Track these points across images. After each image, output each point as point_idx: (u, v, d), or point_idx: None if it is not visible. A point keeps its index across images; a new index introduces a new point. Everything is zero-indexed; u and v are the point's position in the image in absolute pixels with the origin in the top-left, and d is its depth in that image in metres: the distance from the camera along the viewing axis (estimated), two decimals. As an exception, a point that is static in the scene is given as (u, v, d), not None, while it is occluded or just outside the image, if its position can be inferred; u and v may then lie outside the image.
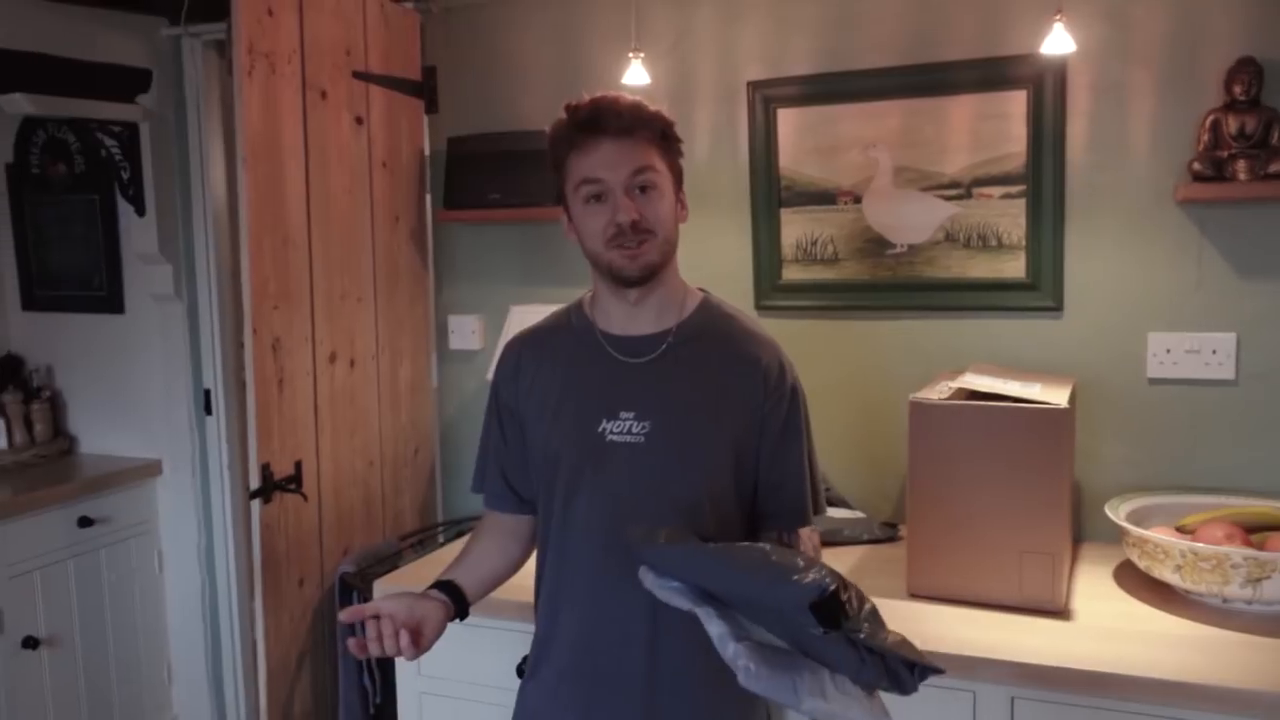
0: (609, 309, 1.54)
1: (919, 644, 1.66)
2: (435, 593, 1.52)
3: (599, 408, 1.50)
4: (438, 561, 2.19)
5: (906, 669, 1.26)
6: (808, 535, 1.60)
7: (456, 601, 1.53)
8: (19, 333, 3.31)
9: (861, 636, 1.21)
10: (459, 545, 2.29)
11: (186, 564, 3.16)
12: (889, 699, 1.27)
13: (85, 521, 2.94)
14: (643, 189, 1.43)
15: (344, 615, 1.43)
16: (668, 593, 1.30)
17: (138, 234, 3.03)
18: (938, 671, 1.28)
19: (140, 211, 3.00)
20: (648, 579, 1.32)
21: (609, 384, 1.51)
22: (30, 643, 2.77)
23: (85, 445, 3.27)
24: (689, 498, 1.47)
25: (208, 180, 3.00)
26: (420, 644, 1.42)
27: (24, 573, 2.77)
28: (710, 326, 1.55)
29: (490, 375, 2.52)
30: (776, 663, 1.24)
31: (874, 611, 1.27)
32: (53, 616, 2.85)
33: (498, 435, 1.64)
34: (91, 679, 2.97)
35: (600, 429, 1.49)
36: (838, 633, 1.20)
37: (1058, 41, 1.95)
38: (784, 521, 1.56)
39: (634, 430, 1.48)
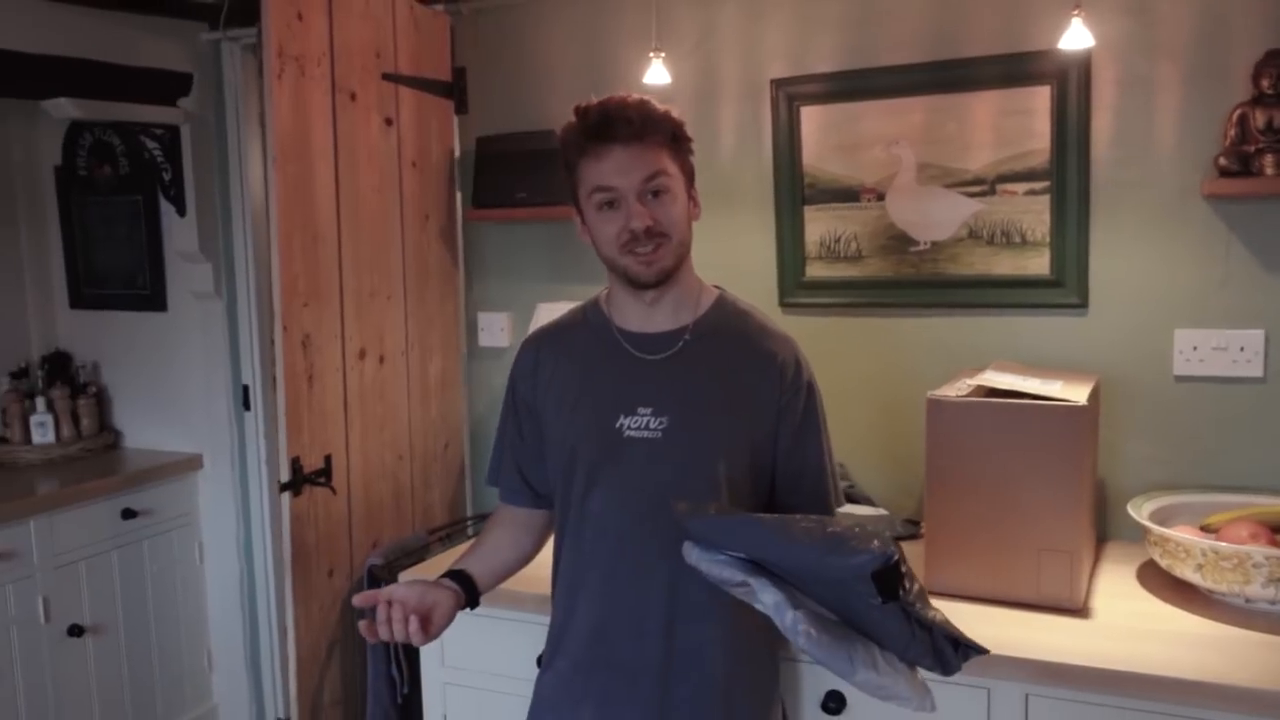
0: (625, 307, 1.56)
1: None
2: (447, 581, 1.55)
3: (616, 404, 1.52)
4: (458, 555, 2.23)
5: (951, 647, 1.27)
6: None
7: (467, 590, 1.56)
8: (67, 330, 3.41)
9: (915, 609, 1.23)
10: (480, 540, 2.34)
11: (226, 555, 3.24)
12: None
13: (129, 514, 3.02)
14: (655, 194, 1.45)
15: (357, 599, 1.47)
16: (716, 566, 1.32)
17: (179, 233, 3.11)
18: (981, 651, 1.29)
19: (181, 211, 3.08)
20: (692, 554, 1.34)
21: (626, 380, 1.53)
22: (75, 631, 2.86)
23: (130, 440, 3.37)
24: (705, 492, 1.48)
25: (245, 180, 3.07)
26: (429, 630, 1.45)
27: (69, 563, 2.86)
28: (726, 323, 1.57)
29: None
30: (833, 632, 1.27)
31: (922, 591, 1.28)
32: (97, 605, 2.93)
33: (514, 431, 1.67)
34: (134, 667, 3.05)
35: (618, 425, 1.51)
36: (894, 604, 1.22)
37: (1076, 37, 1.94)
38: (807, 513, 1.56)
39: (651, 426, 1.50)
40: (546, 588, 1.95)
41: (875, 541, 1.21)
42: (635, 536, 1.51)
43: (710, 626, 1.51)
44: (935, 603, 1.82)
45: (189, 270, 3.16)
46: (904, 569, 1.22)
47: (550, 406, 1.59)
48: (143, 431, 3.34)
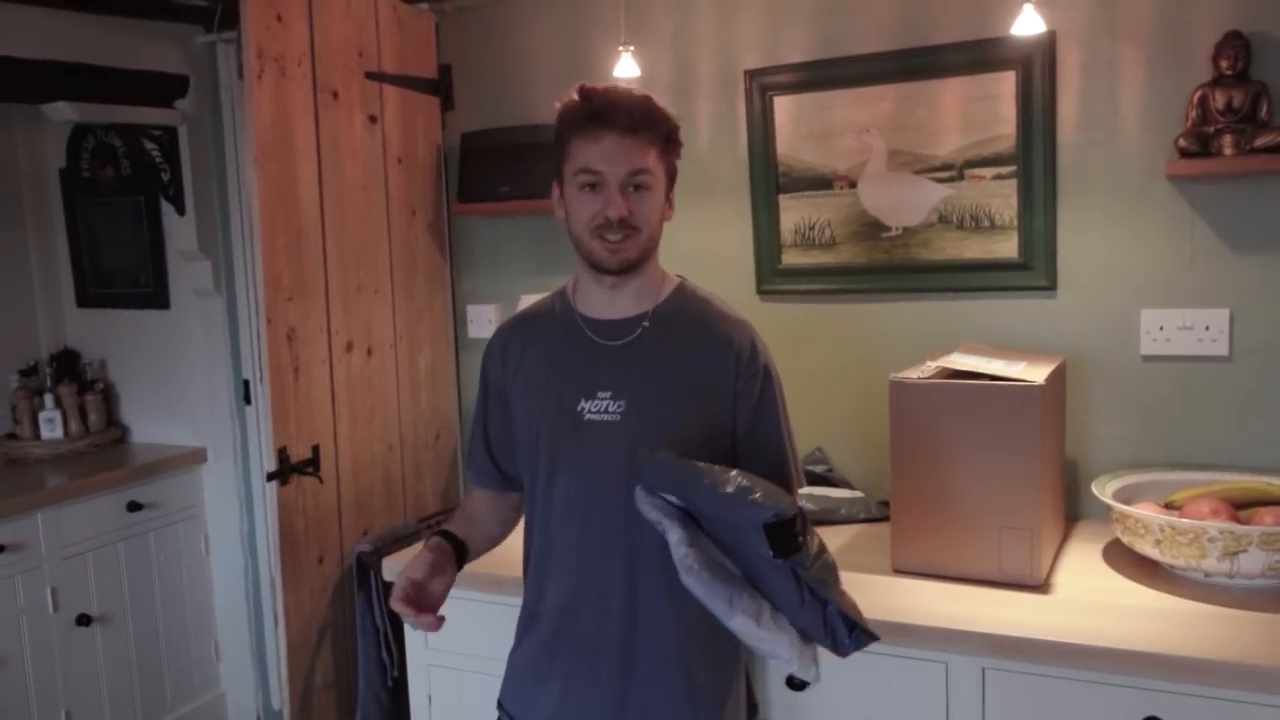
0: (589, 293, 1.61)
1: (897, 618, 1.73)
2: (440, 541, 1.60)
3: (578, 388, 1.57)
4: (444, 539, 2.28)
5: (845, 628, 1.31)
6: None
7: (458, 549, 1.61)
8: (74, 329, 3.50)
9: (808, 573, 1.28)
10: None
11: (230, 547, 3.32)
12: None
13: (135, 506, 3.10)
14: (636, 187, 1.50)
15: (406, 610, 1.50)
16: (647, 505, 1.40)
17: (179, 233, 3.19)
18: (873, 638, 1.34)
19: (180, 211, 3.15)
20: (639, 495, 1.42)
21: (587, 365, 1.58)
22: (83, 620, 2.94)
23: (136, 434, 3.45)
24: None
25: (242, 179, 3.13)
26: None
27: (77, 554, 2.94)
28: (684, 310, 1.61)
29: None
30: (720, 575, 1.34)
31: (830, 566, 1.34)
32: (104, 596, 3.02)
33: (485, 415, 1.72)
34: (142, 656, 3.13)
35: (579, 408, 1.56)
36: (784, 563, 1.28)
37: (1028, 23, 1.97)
38: None
39: (610, 409, 1.55)
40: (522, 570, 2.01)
41: (774, 499, 1.28)
42: (597, 517, 1.56)
43: (672, 603, 1.55)
44: (899, 582, 1.89)
45: (189, 268, 3.23)
46: (800, 533, 1.28)
47: (518, 392, 1.65)
48: (149, 426, 3.43)
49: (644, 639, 1.56)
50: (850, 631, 1.33)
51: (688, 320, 1.60)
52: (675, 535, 1.35)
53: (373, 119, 2.55)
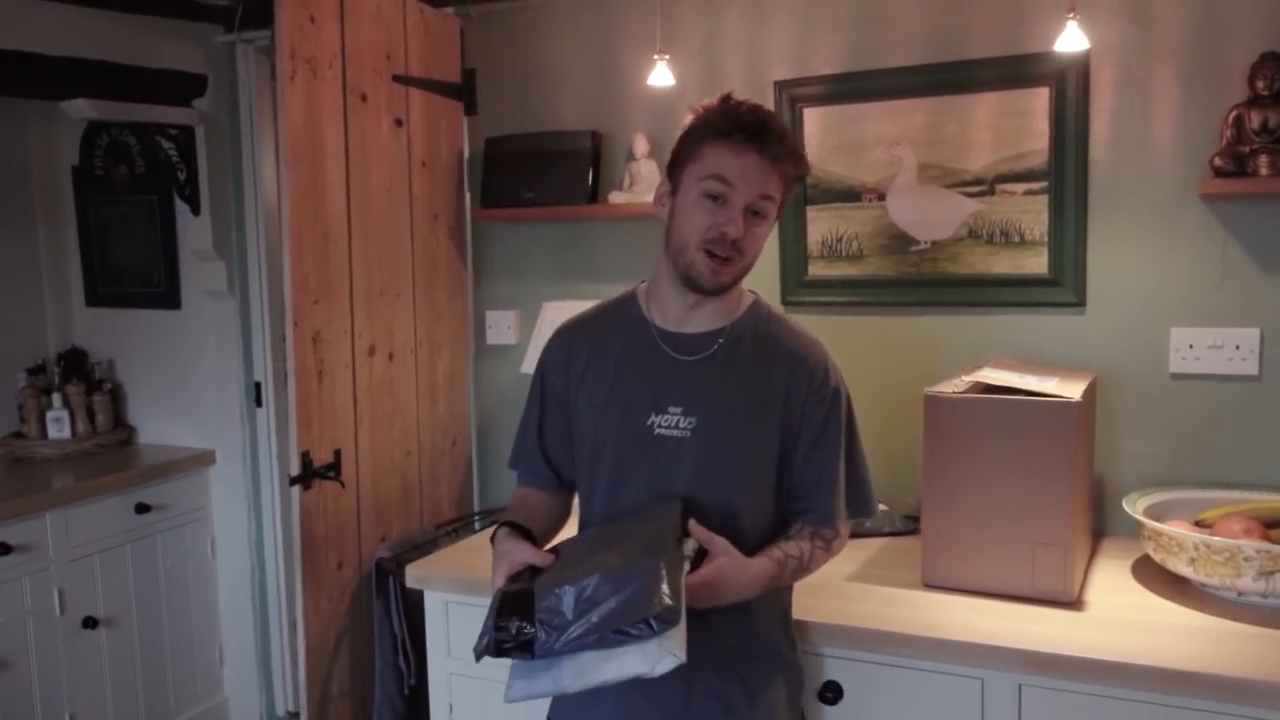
0: (665, 304, 1.58)
1: (932, 633, 1.72)
2: (510, 531, 1.55)
3: (648, 401, 1.55)
4: (470, 548, 2.28)
5: (646, 627, 1.29)
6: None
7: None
8: (83, 328, 3.47)
9: (568, 644, 1.30)
10: (487, 534, 2.37)
11: (237, 550, 3.29)
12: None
13: (143, 508, 3.07)
14: (756, 213, 1.48)
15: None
16: None
17: (193, 233, 3.17)
18: (668, 616, 1.29)
19: (196, 211, 3.13)
20: None
21: (659, 378, 1.56)
22: (90, 623, 2.91)
23: (144, 435, 3.42)
24: (729, 492, 1.52)
25: (258, 180, 3.12)
26: None
27: (84, 556, 2.91)
28: (758, 328, 1.59)
29: (523, 366, 2.60)
30: (537, 668, 1.34)
31: (608, 572, 1.33)
32: (111, 598, 2.99)
33: (541, 419, 1.68)
34: (147, 659, 3.10)
35: (649, 422, 1.54)
36: (544, 649, 1.31)
37: (1072, 39, 1.97)
38: (810, 519, 1.60)
39: (681, 425, 1.53)
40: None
41: (491, 625, 1.34)
42: None
43: (735, 616, 1.52)
44: (930, 596, 1.88)
45: (203, 269, 3.21)
46: (515, 641, 1.32)
47: (583, 398, 1.61)
48: (157, 427, 3.40)
49: (706, 652, 1.54)
50: (651, 626, 1.29)
51: (762, 339, 1.58)
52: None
53: (399, 122, 2.54)
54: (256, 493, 3.28)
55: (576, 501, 1.72)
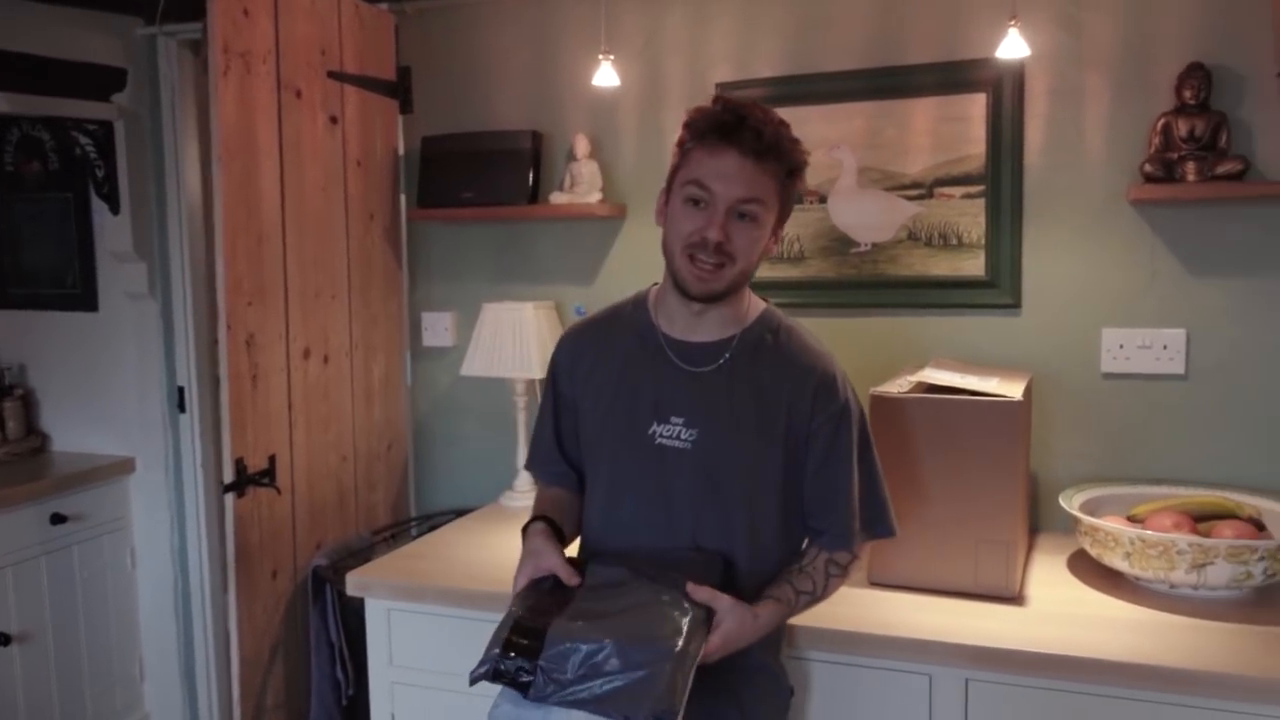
0: (672, 312, 1.55)
1: (880, 631, 1.73)
2: (541, 526, 1.54)
3: (650, 409, 1.52)
4: (412, 555, 2.23)
5: (633, 711, 1.30)
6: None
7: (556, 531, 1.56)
8: (-8, 330, 3.32)
9: (564, 699, 1.30)
10: (428, 540, 2.34)
11: (159, 561, 3.17)
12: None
13: (58, 519, 2.94)
14: (742, 216, 1.44)
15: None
16: None
17: (112, 232, 3.05)
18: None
19: (115, 210, 3.01)
20: None
21: (663, 387, 1.53)
22: (2, 639, 2.77)
23: (58, 443, 3.28)
24: (729, 507, 1.50)
25: (182, 179, 3.02)
26: None
27: (-4, 569, 2.78)
28: (768, 341, 1.56)
29: (462, 368, 2.56)
30: (524, 702, 1.34)
31: (622, 644, 1.32)
32: (25, 613, 2.85)
33: (556, 420, 1.66)
34: (63, 676, 2.97)
35: (650, 430, 1.52)
36: (538, 695, 1.31)
37: (1013, 46, 2.02)
38: (825, 542, 1.59)
39: (682, 436, 1.50)
40: (498, 585, 1.97)
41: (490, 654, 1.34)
42: (660, 540, 1.52)
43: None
44: (877, 594, 1.90)
45: (122, 270, 3.09)
46: (517, 675, 1.32)
47: (588, 401, 1.59)
48: (72, 435, 3.26)
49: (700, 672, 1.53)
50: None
51: (770, 352, 1.55)
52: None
53: (334, 119, 2.48)
54: (180, 501, 3.16)
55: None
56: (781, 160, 1.44)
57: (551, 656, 1.31)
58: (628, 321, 1.61)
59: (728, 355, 1.53)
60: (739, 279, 1.49)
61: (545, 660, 1.31)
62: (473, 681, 1.34)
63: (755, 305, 1.60)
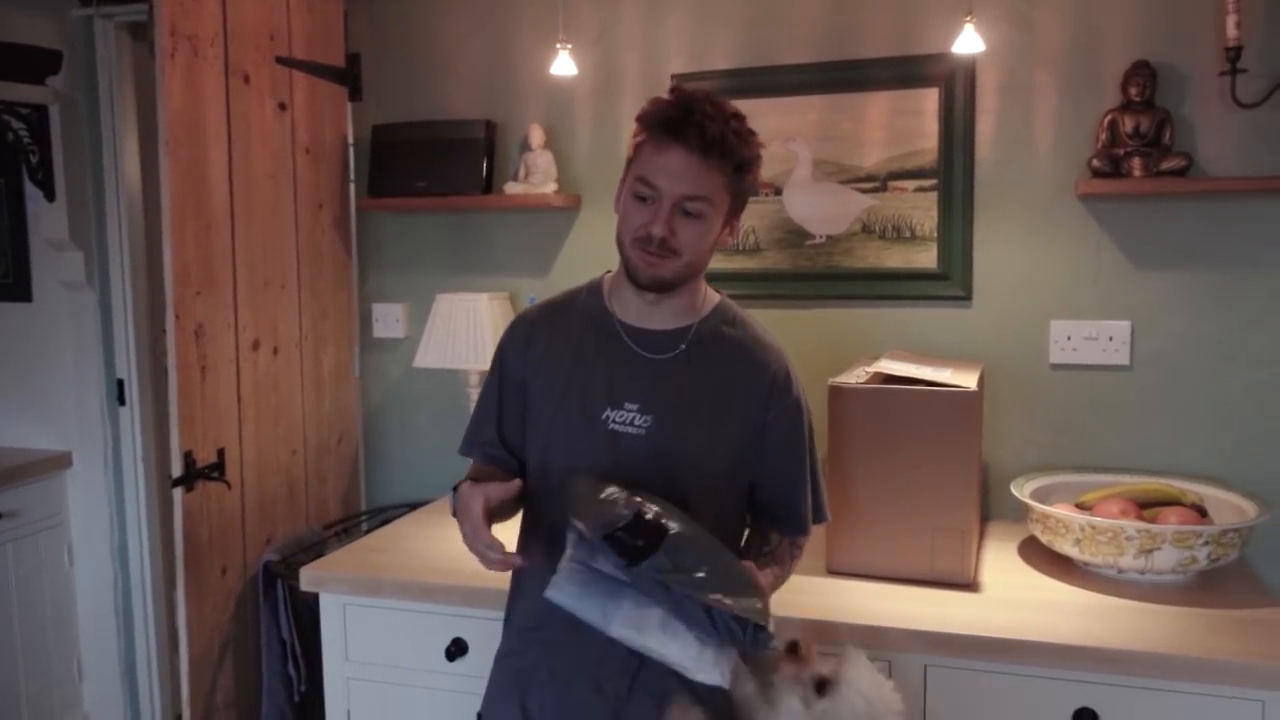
0: (625, 299, 1.55)
1: (840, 618, 1.75)
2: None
3: (605, 395, 1.51)
4: (366, 548, 2.20)
5: (739, 626, 1.30)
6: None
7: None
8: (-83, 322, 3.19)
9: (668, 580, 1.28)
10: (384, 533, 2.31)
11: (98, 558, 3.09)
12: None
13: (-9, 515, 2.86)
14: (687, 213, 1.43)
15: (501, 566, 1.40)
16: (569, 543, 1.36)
17: (47, 220, 2.95)
18: (767, 632, 1.31)
19: (50, 196, 2.92)
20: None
21: (618, 372, 1.52)
22: (-66, 640, 2.68)
23: (-11, 438, 3.17)
24: (682, 493, 1.48)
25: (121, 165, 2.93)
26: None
27: (-74, 568, 2.68)
28: (723, 332, 1.57)
29: (415, 360, 2.53)
30: (596, 587, 1.31)
31: (725, 569, 1.33)
32: (-43, 613, 2.76)
33: (500, 404, 1.62)
34: (-1, 677, 2.89)
35: (604, 415, 1.50)
36: (640, 570, 1.28)
37: (968, 42, 2.05)
38: (783, 528, 1.60)
39: (636, 423, 1.50)
40: (456, 578, 1.96)
41: (611, 510, 1.29)
42: None
43: None
44: (835, 583, 1.92)
45: (58, 259, 2.99)
46: (639, 538, 1.28)
47: (540, 384, 1.57)
48: (5, 429, 3.15)
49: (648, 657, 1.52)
50: (744, 630, 1.31)
51: (726, 343, 1.56)
52: (567, 552, 1.33)
53: (282, 106, 2.43)
54: (120, 497, 3.08)
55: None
56: (728, 157, 1.42)
57: (673, 546, 1.29)
58: (582, 306, 1.60)
59: (684, 345, 1.53)
60: (687, 271, 1.49)
61: (668, 544, 1.29)
62: (597, 533, 1.27)
63: (710, 297, 1.60)
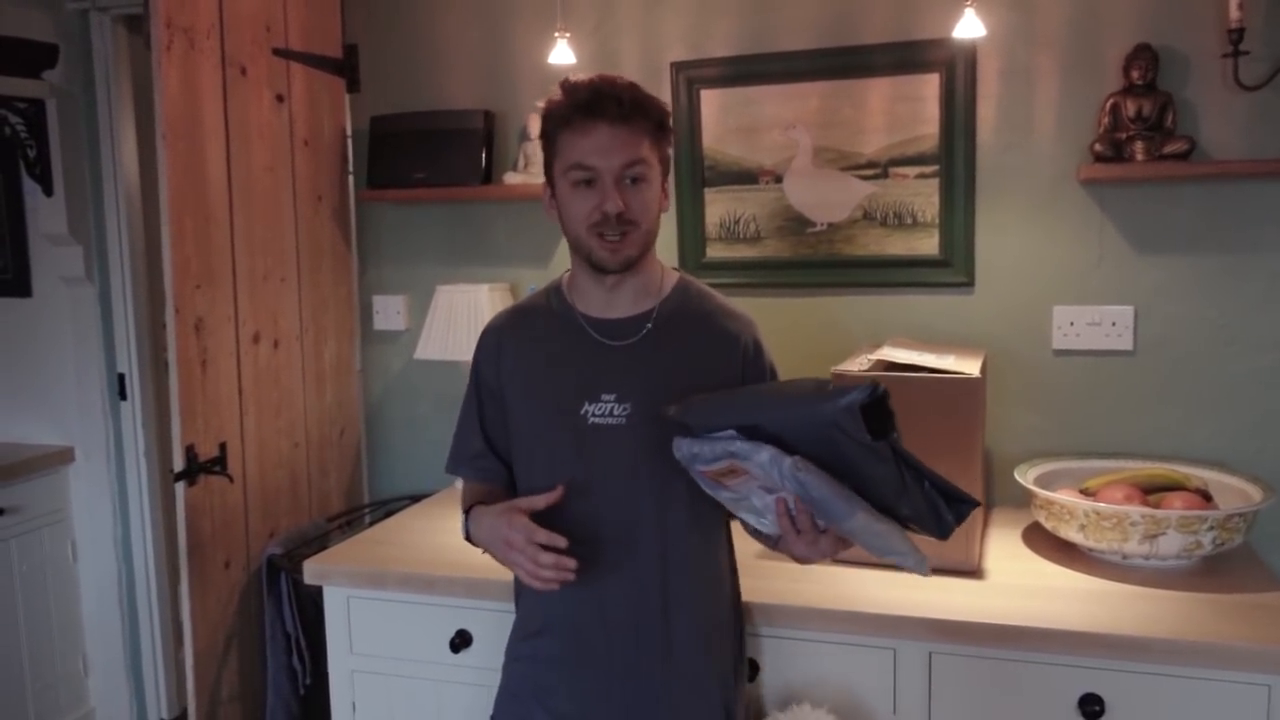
0: (587, 292, 1.55)
1: (845, 606, 1.75)
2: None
3: (580, 390, 1.51)
4: (370, 540, 2.20)
5: (943, 501, 1.31)
6: None
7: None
8: (-83, 318, 3.18)
9: (905, 452, 1.28)
10: (387, 526, 2.31)
11: (102, 552, 3.09)
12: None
13: (-6, 511, 2.85)
14: (633, 180, 1.44)
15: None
16: (707, 445, 1.34)
17: (45, 215, 2.94)
18: (973, 504, 1.34)
19: (48, 191, 2.91)
20: (681, 446, 1.37)
21: (590, 366, 1.52)
22: (-62, 636, 2.69)
23: (-10, 433, 3.17)
24: (667, 475, 1.49)
25: (119, 159, 2.93)
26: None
27: (-71, 565, 2.69)
28: (687, 307, 1.57)
29: (416, 351, 2.53)
30: (828, 476, 1.29)
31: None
32: (-39, 609, 2.77)
33: (481, 416, 1.63)
34: (3, 674, 2.88)
35: (582, 411, 1.50)
36: (885, 443, 1.27)
37: (969, 26, 2.03)
38: None
39: (615, 413, 1.50)
40: (461, 570, 1.96)
41: (857, 386, 1.25)
42: (607, 524, 1.51)
43: (680, 615, 1.52)
44: (839, 571, 1.92)
45: (57, 254, 2.99)
46: (891, 409, 1.28)
47: (516, 391, 1.57)
48: (6, 424, 3.15)
49: (649, 647, 1.52)
50: (949, 504, 1.32)
51: (691, 318, 1.56)
52: (766, 454, 1.28)
53: (280, 98, 2.42)
54: (122, 491, 3.08)
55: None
56: (648, 117, 1.46)
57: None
58: (546, 308, 1.60)
59: (649, 326, 1.53)
60: (647, 239, 1.50)
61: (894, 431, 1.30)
62: (863, 401, 1.24)
63: (669, 276, 1.60)
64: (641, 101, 1.45)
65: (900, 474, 1.30)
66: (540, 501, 1.44)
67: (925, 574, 1.38)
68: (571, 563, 1.37)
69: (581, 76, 1.48)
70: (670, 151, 1.54)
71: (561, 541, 1.37)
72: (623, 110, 1.42)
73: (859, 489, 1.31)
